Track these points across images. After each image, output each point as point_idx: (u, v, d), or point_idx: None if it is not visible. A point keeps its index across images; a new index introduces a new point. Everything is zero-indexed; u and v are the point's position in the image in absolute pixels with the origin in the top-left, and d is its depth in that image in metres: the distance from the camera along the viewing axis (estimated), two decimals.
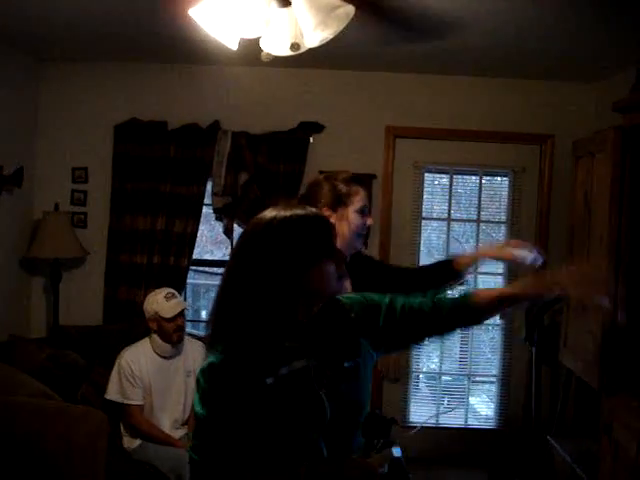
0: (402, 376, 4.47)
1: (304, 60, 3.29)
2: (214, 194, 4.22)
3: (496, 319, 4.44)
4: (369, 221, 2.25)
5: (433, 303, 1.66)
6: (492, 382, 4.62)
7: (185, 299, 4.41)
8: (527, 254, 2.19)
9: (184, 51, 3.76)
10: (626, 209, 3.03)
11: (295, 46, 2.33)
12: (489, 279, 4.52)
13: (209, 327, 1.49)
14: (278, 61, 2.58)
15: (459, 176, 4.52)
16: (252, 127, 4.22)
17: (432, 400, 4.63)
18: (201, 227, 4.45)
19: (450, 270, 2.36)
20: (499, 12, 2.92)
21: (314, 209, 1.56)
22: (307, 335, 1.49)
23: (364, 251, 2.51)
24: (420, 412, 4.55)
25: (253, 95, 4.25)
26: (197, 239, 4.37)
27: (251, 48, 2.42)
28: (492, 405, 4.61)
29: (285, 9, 2.29)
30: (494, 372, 4.58)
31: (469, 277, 2.60)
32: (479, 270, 4.37)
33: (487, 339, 4.72)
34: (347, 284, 2.24)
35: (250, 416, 1.37)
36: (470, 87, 4.31)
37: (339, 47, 2.91)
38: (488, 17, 3.00)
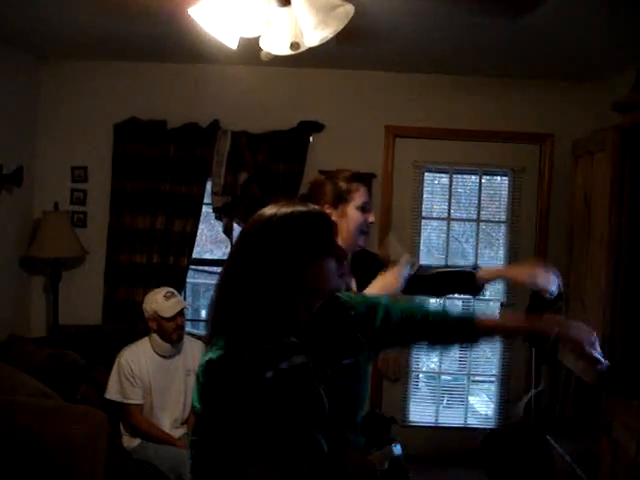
0: (402, 375, 4.47)
1: (304, 59, 3.29)
2: (214, 193, 4.22)
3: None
4: (371, 218, 2.25)
5: (433, 315, 1.68)
6: (492, 382, 4.63)
7: (185, 298, 4.41)
8: (549, 286, 2.18)
9: (184, 50, 3.76)
10: (626, 209, 3.03)
11: (295, 45, 2.33)
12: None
13: (208, 324, 1.49)
14: (278, 60, 2.58)
15: (459, 175, 4.52)
16: (252, 126, 4.22)
17: (432, 399, 4.63)
18: (201, 226, 4.46)
19: (470, 283, 2.37)
20: None
21: (315, 206, 1.57)
22: (307, 331, 1.49)
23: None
24: (420, 411, 4.56)
25: (253, 94, 4.25)
26: (197, 238, 4.37)
27: (251, 47, 2.42)
28: (492, 405, 4.61)
29: (285, 8, 2.28)
30: (494, 372, 4.58)
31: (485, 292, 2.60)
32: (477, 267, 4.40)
33: None
34: (352, 283, 2.25)
35: (249, 410, 1.37)
36: (470, 87, 4.30)
37: (339, 46, 2.91)
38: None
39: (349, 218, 2.19)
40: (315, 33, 2.23)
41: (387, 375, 4.41)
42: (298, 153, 4.24)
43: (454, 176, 4.49)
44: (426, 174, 4.46)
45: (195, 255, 4.46)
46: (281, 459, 1.40)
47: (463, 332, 1.69)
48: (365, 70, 4.28)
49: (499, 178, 4.53)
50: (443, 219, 4.51)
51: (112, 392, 3.35)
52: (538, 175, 4.39)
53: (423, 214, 4.46)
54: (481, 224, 4.53)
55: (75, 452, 2.75)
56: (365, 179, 2.41)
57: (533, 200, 4.40)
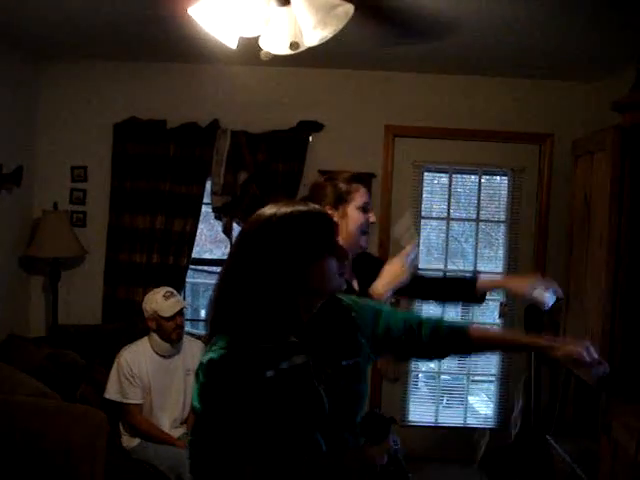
0: (401, 375, 4.47)
1: (303, 59, 3.29)
2: (213, 193, 4.22)
3: (495, 318, 4.45)
4: (371, 218, 2.26)
5: (432, 327, 1.69)
6: (491, 381, 4.63)
7: (184, 298, 4.41)
8: (547, 299, 2.23)
9: (183, 50, 3.76)
10: (626, 209, 3.03)
11: (294, 45, 2.33)
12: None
13: (208, 324, 1.49)
14: (277, 60, 2.57)
15: (458, 175, 4.52)
16: (251, 126, 4.22)
17: (431, 399, 4.63)
18: (200, 226, 4.46)
19: (470, 292, 2.42)
20: (497, 11, 2.92)
21: (316, 205, 1.57)
22: (308, 332, 1.49)
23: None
24: (419, 411, 4.56)
25: (252, 94, 4.24)
26: (196, 238, 4.37)
27: (250, 47, 2.42)
28: (491, 404, 4.61)
29: (284, 8, 2.28)
30: (493, 371, 4.58)
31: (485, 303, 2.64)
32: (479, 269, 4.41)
33: None
34: (354, 283, 2.25)
35: (249, 409, 1.37)
36: (470, 86, 4.31)
37: (338, 46, 2.91)
38: (485, 16, 3.00)
39: (350, 218, 2.20)
40: (314, 33, 2.24)
41: (387, 375, 4.40)
42: (298, 153, 4.24)
43: (454, 176, 4.48)
44: (426, 174, 4.46)
45: (195, 255, 4.45)
46: (280, 459, 1.40)
47: (456, 343, 1.70)
48: (365, 70, 4.28)
49: (499, 178, 4.52)
50: (442, 219, 4.51)
51: (111, 392, 3.35)
52: (538, 175, 4.39)
53: (423, 214, 4.46)
54: (480, 224, 4.53)
55: (75, 452, 2.75)
56: (365, 179, 2.42)
57: (533, 200, 4.40)
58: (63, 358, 3.47)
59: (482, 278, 2.46)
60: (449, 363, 4.60)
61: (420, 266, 4.07)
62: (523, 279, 2.42)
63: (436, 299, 2.96)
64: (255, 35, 2.36)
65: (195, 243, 4.35)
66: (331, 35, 2.28)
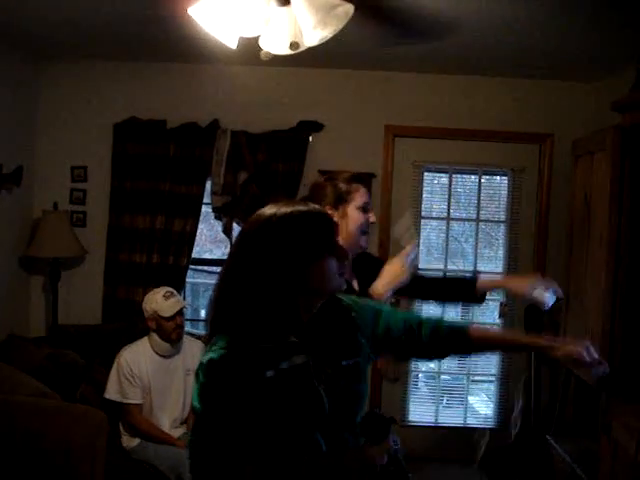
0: (401, 375, 4.47)
1: (303, 59, 3.29)
2: (213, 193, 4.22)
3: (495, 318, 4.45)
4: (371, 218, 2.26)
5: (432, 327, 1.69)
6: (491, 381, 4.63)
7: (184, 298, 4.41)
8: (547, 299, 2.24)
9: (183, 50, 3.76)
10: (626, 209, 3.03)
11: (294, 45, 2.33)
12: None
13: (208, 324, 1.49)
14: (277, 60, 2.57)
15: (458, 175, 4.52)
16: (251, 126, 4.22)
17: (431, 399, 4.63)
18: (200, 226, 4.46)
19: (470, 292, 2.43)
20: (497, 11, 2.92)
21: (316, 205, 1.57)
22: (308, 332, 1.49)
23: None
24: (419, 411, 4.56)
25: (252, 94, 4.24)
26: (196, 238, 4.37)
27: (250, 47, 2.42)
28: (491, 404, 4.61)
29: (284, 8, 2.28)
30: (493, 371, 4.58)
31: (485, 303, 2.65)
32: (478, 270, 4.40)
33: None
34: (354, 283, 2.25)
35: (249, 409, 1.37)
36: (470, 86, 4.31)
37: (338, 46, 2.91)
38: (485, 16, 3.00)
39: (350, 218, 2.20)
40: (314, 33, 2.24)
41: (387, 375, 4.40)
42: (298, 153, 4.24)
43: (454, 176, 4.48)
44: (426, 174, 4.46)
45: (195, 255, 4.46)
46: (280, 459, 1.40)
47: (456, 343, 1.71)
48: (365, 70, 4.28)
49: (499, 178, 4.52)
50: (442, 219, 4.51)
51: (111, 392, 3.35)
52: (538, 175, 4.39)
53: (422, 214, 4.46)
54: (480, 224, 4.53)
55: (75, 452, 2.75)
56: (365, 179, 2.43)
57: (533, 200, 4.40)
58: (63, 358, 3.47)
59: (482, 278, 2.46)
60: (449, 363, 4.61)
61: (420, 266, 4.07)
62: (523, 279, 2.42)
63: (436, 299, 2.96)
64: (255, 35, 2.36)
65: (195, 243, 4.35)
66: (331, 35, 2.28)
